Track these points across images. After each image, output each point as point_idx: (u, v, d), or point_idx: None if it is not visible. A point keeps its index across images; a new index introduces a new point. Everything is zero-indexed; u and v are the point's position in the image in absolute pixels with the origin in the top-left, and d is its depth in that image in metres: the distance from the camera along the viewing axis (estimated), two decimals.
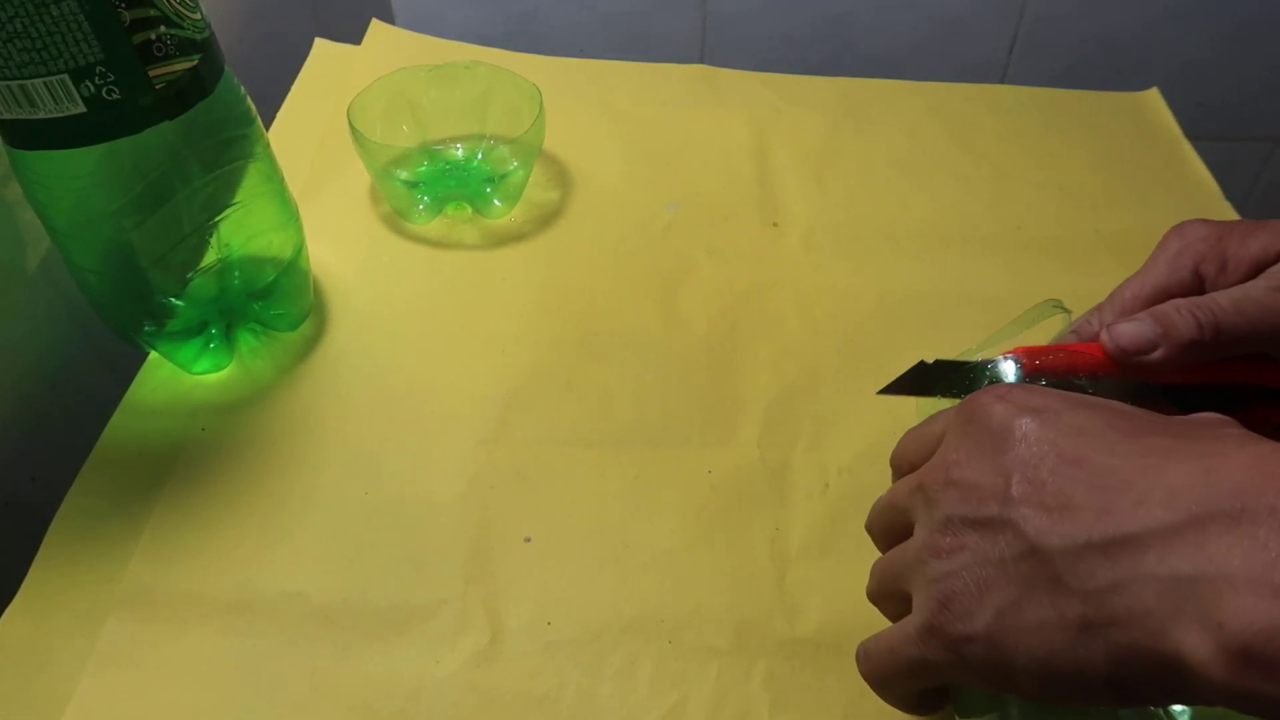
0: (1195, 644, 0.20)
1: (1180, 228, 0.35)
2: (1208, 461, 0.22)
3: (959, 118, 0.63)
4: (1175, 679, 0.21)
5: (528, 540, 0.39)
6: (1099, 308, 0.35)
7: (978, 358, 0.33)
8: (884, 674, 0.28)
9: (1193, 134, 0.62)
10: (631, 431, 0.43)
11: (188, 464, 0.41)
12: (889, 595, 0.29)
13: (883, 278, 0.51)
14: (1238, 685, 0.20)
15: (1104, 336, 0.32)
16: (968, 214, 0.56)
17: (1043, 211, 0.56)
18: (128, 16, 0.33)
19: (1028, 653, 0.23)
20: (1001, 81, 0.85)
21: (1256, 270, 0.32)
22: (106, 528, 0.38)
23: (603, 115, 0.62)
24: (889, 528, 0.30)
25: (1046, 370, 0.32)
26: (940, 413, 0.30)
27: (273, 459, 0.41)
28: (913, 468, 0.29)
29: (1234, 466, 0.22)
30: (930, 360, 0.34)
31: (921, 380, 0.34)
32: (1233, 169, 0.93)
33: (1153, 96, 0.65)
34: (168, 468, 0.41)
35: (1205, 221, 0.34)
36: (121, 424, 0.42)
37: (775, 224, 0.54)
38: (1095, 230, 0.55)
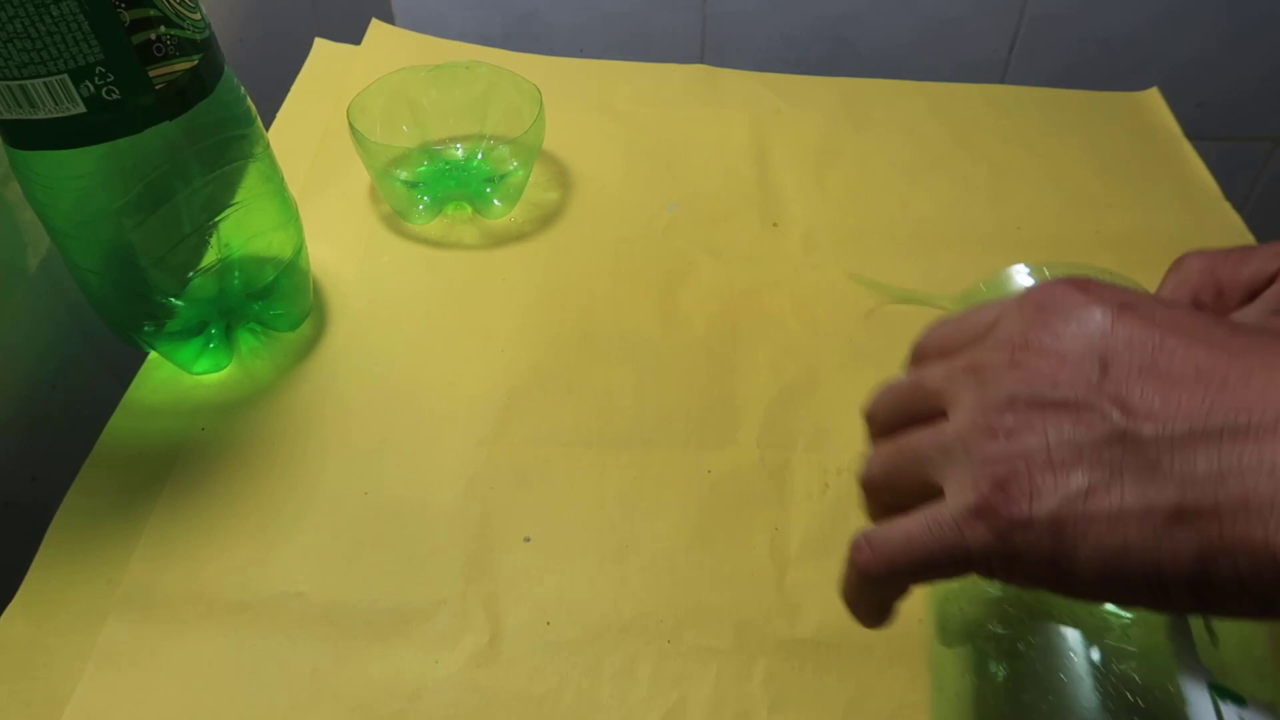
0: None
1: (1177, 263, 0.34)
2: None
3: (959, 118, 0.63)
4: (1276, 580, 0.19)
5: (527, 540, 0.39)
6: None
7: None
8: (894, 564, 0.25)
9: (1193, 134, 0.62)
10: (631, 431, 0.43)
11: (188, 464, 0.41)
12: (900, 480, 0.26)
13: (883, 278, 0.51)
14: None
15: None
16: (968, 214, 0.56)
17: (1043, 211, 0.56)
18: (128, 16, 0.33)
19: (1097, 543, 0.21)
20: (1001, 81, 0.85)
21: (1251, 295, 0.31)
22: (106, 528, 0.38)
23: (603, 115, 0.62)
24: (908, 412, 0.27)
25: None
26: (988, 303, 0.27)
27: (273, 459, 0.41)
28: (946, 355, 0.26)
29: None
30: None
31: None
32: (1233, 169, 0.93)
33: (1153, 96, 0.65)
34: (168, 468, 0.41)
35: (1200, 253, 0.34)
36: (121, 424, 0.42)
37: (775, 224, 0.54)
38: (1095, 230, 0.55)
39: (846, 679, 0.35)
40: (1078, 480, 0.22)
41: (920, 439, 0.25)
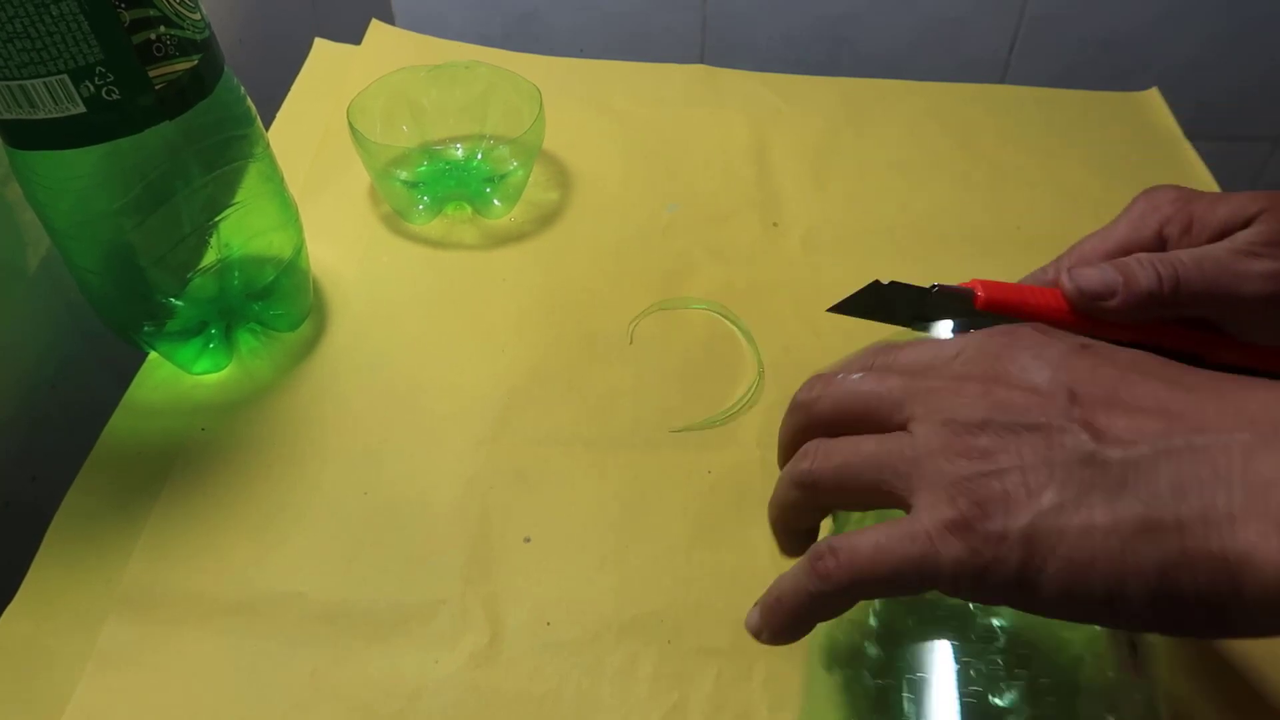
0: (1272, 545, 0.20)
1: (1150, 191, 0.35)
2: None
3: (959, 118, 0.63)
4: (1230, 591, 0.20)
5: (527, 540, 0.39)
6: (1058, 259, 0.35)
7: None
8: (858, 576, 0.25)
9: (1193, 134, 0.62)
10: (631, 431, 0.43)
11: (187, 464, 0.41)
12: (854, 485, 0.26)
13: (882, 278, 0.51)
14: None
15: (1064, 278, 0.32)
16: (967, 214, 0.56)
17: (1043, 211, 0.56)
18: (128, 16, 0.33)
19: (1066, 556, 0.22)
20: (1001, 81, 0.85)
21: (1220, 236, 0.32)
22: (106, 528, 0.38)
23: (603, 115, 0.62)
24: (857, 415, 0.27)
25: (997, 303, 0.32)
26: (953, 338, 0.28)
27: (273, 459, 0.41)
28: (911, 374, 0.27)
29: None
30: (885, 281, 0.33)
31: (874, 300, 0.34)
32: (1233, 169, 0.93)
33: (1152, 96, 0.65)
34: (167, 468, 0.41)
35: (1176, 186, 0.34)
36: (121, 424, 0.42)
37: (775, 224, 0.54)
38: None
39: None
40: (1050, 497, 0.23)
41: (883, 450, 0.26)
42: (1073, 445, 0.23)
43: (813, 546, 0.26)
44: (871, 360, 0.29)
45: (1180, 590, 0.21)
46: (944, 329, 0.33)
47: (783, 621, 0.27)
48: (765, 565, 0.38)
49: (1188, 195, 0.34)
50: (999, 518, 0.23)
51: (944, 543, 0.23)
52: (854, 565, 0.25)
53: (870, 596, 0.27)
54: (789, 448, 0.29)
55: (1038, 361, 0.25)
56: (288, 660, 0.35)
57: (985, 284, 0.32)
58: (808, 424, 0.29)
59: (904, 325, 0.33)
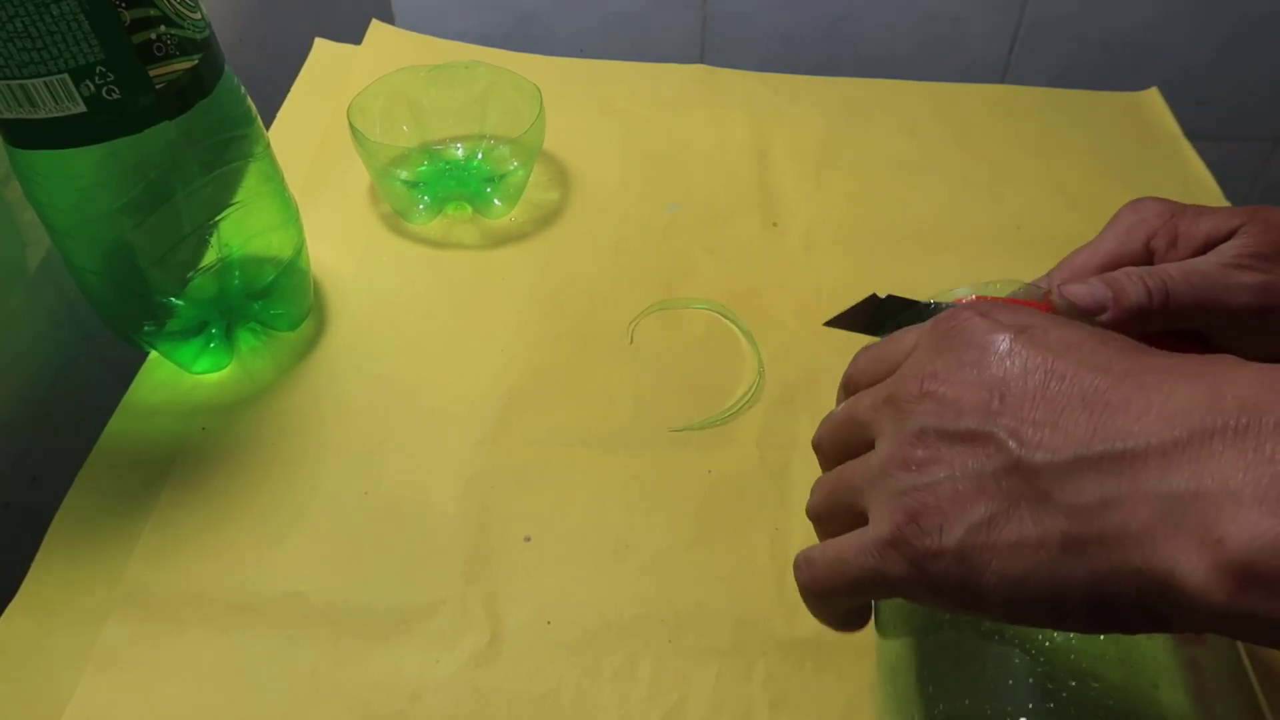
0: (1191, 562, 0.19)
1: (1135, 203, 0.35)
2: (1209, 379, 0.21)
3: (959, 118, 0.63)
4: (1161, 601, 0.20)
5: (527, 540, 0.39)
6: (1050, 273, 0.36)
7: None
8: (826, 585, 0.26)
9: (1193, 134, 0.62)
10: (631, 431, 0.43)
11: (187, 464, 0.41)
12: (838, 511, 0.27)
13: (883, 278, 0.51)
14: (1235, 606, 0.19)
15: (1055, 294, 0.33)
16: (967, 214, 0.56)
17: (1043, 211, 0.56)
18: (128, 16, 0.33)
19: (1000, 571, 0.22)
20: (1001, 81, 0.85)
21: (1205, 248, 0.33)
22: (106, 528, 0.38)
23: (603, 115, 0.62)
24: (845, 444, 0.28)
25: None
26: (907, 329, 0.29)
27: (272, 459, 0.41)
28: (872, 384, 0.28)
29: (1238, 382, 0.21)
30: (882, 295, 0.33)
31: (871, 315, 0.34)
32: (1233, 169, 0.93)
33: (1152, 96, 0.65)
34: (168, 468, 0.41)
35: (1160, 199, 0.35)
36: (121, 424, 0.42)
37: (775, 224, 0.54)
38: (1095, 230, 0.55)
39: (846, 679, 0.35)
40: (980, 511, 0.23)
41: (853, 471, 0.27)
42: (999, 453, 0.23)
43: (795, 556, 0.28)
44: (853, 371, 0.30)
45: (1116, 601, 0.21)
46: None
47: (818, 618, 0.29)
48: (765, 565, 0.38)
49: (1172, 209, 0.34)
50: (934, 535, 0.23)
51: (887, 558, 0.24)
52: (818, 577, 0.27)
53: (846, 605, 0.28)
54: (813, 496, 0.30)
55: (970, 354, 0.25)
56: (288, 660, 0.35)
57: (981, 300, 0.32)
58: (822, 463, 0.30)
59: None
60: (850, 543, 0.25)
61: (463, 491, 0.40)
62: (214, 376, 0.44)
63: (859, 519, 0.26)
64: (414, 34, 0.67)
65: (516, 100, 0.54)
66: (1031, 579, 0.22)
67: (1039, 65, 0.86)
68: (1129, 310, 0.32)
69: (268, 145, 0.42)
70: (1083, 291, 0.32)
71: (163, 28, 0.35)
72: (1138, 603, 0.21)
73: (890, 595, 0.25)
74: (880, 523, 0.25)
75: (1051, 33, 0.84)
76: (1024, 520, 0.22)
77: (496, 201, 0.53)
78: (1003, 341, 0.25)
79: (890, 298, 0.33)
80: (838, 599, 0.27)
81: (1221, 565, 0.19)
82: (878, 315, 0.34)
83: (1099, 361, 0.23)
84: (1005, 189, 0.57)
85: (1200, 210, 0.34)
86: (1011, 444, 0.23)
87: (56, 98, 0.33)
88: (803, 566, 0.27)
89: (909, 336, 0.28)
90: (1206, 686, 0.27)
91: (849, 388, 0.30)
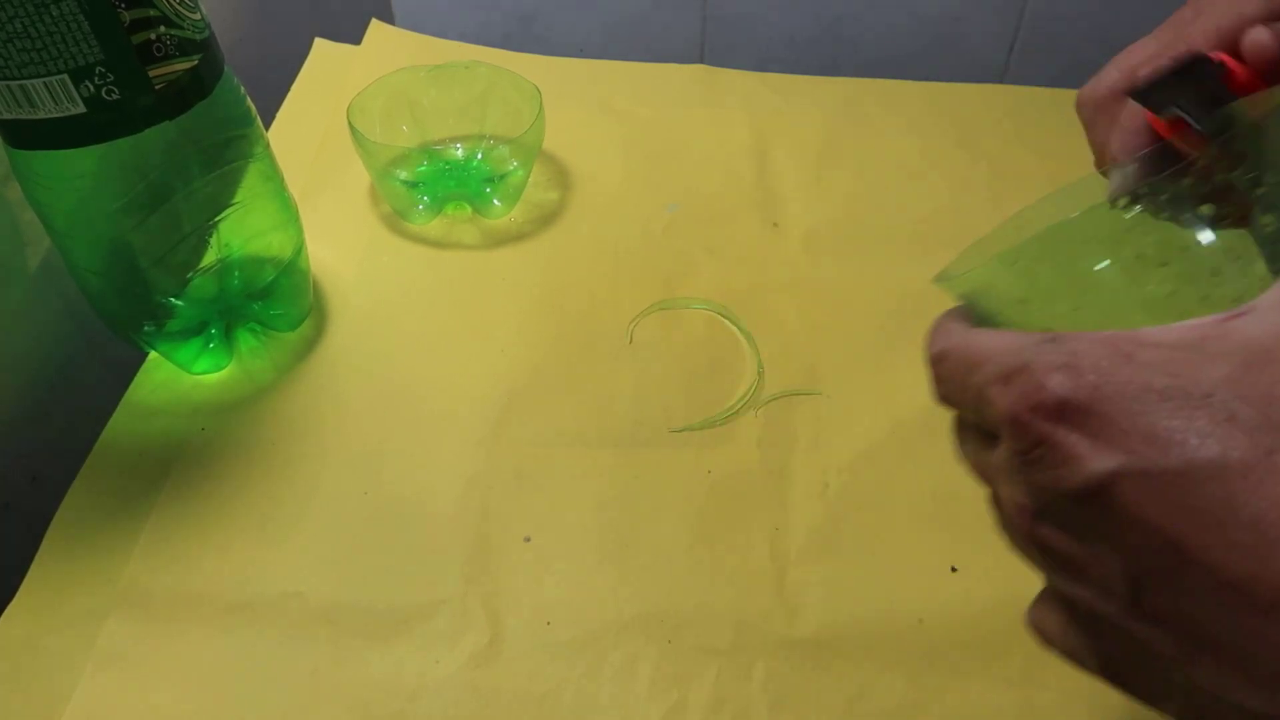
0: None
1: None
2: None
3: (959, 118, 0.63)
4: None
5: (528, 540, 0.39)
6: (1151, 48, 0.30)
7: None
8: None
9: None
10: (632, 431, 0.43)
11: (187, 464, 0.41)
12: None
13: (883, 278, 0.51)
14: None
15: (1255, 36, 0.26)
16: (968, 214, 0.56)
17: None
18: (128, 16, 0.33)
19: None
20: (1001, 81, 0.85)
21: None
22: (106, 528, 0.38)
23: (603, 115, 0.62)
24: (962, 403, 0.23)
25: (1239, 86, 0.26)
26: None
27: (272, 459, 0.41)
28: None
29: None
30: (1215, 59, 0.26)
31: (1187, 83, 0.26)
32: None
33: None
34: (167, 468, 0.41)
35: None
36: (121, 424, 0.42)
37: (775, 224, 0.54)
38: None
39: (846, 679, 0.35)
40: None
41: (984, 462, 0.22)
42: None
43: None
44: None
45: None
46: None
47: None
48: (765, 565, 0.38)
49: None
50: None
51: None
52: None
53: None
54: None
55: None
56: (288, 660, 0.35)
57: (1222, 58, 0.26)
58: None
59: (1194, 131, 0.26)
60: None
61: (463, 491, 0.40)
62: (214, 377, 0.44)
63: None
64: (414, 34, 0.67)
65: (516, 100, 0.54)
66: None
67: (1039, 65, 0.86)
68: None
69: (267, 145, 0.42)
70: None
71: (162, 28, 0.35)
72: None
73: None
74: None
75: (1051, 33, 0.84)
76: None
77: (496, 201, 0.53)
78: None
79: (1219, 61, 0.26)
80: None
81: None
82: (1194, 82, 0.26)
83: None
84: (1005, 189, 0.57)
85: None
86: None
87: (56, 98, 0.33)
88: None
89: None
90: None
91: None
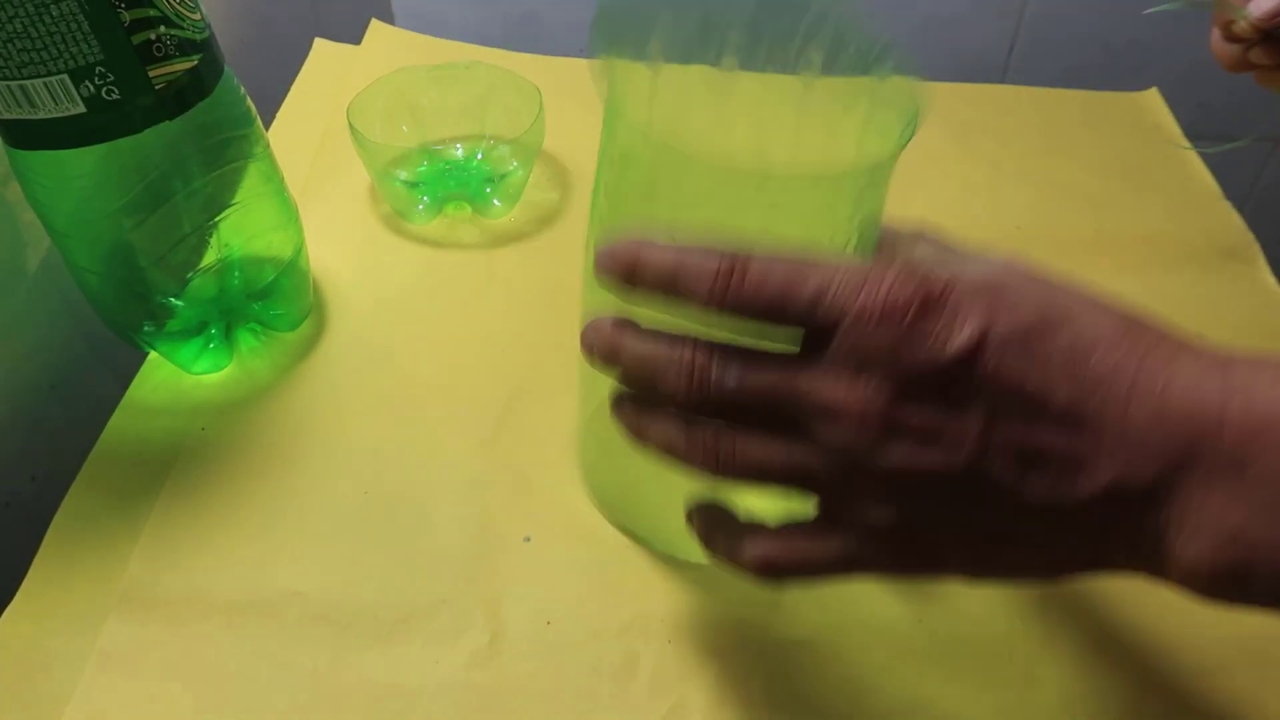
0: None
1: None
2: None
3: (959, 118, 0.63)
4: None
5: (527, 540, 0.39)
6: None
7: None
8: None
9: (1192, 134, 0.62)
10: None
11: (187, 464, 0.41)
12: None
13: None
14: None
15: None
16: (967, 214, 0.56)
17: (1043, 211, 0.56)
18: (128, 16, 0.33)
19: None
20: (1001, 81, 0.85)
21: None
22: (106, 528, 0.38)
23: (603, 115, 0.61)
24: None
25: None
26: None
27: (272, 459, 0.41)
28: None
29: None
30: None
31: None
32: (1233, 169, 0.93)
33: (1152, 96, 0.65)
34: (168, 468, 0.41)
35: None
36: (121, 424, 0.42)
37: None
38: (1095, 230, 0.55)
39: (846, 679, 0.35)
40: None
41: None
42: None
43: None
44: None
45: None
46: None
47: None
48: None
49: None
50: None
51: None
52: None
53: None
54: None
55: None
56: (288, 660, 0.35)
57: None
58: None
59: None
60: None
61: (463, 491, 0.40)
62: (214, 376, 0.44)
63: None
64: (414, 34, 0.67)
65: (516, 100, 0.54)
66: None
67: (1039, 65, 0.86)
68: None
69: (267, 145, 0.42)
70: None
71: (162, 28, 0.35)
72: None
73: None
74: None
75: (1051, 33, 0.84)
76: None
77: (496, 201, 0.53)
78: None
79: None
80: None
81: None
82: None
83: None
84: (1005, 189, 0.57)
85: None
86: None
87: (56, 98, 0.33)
88: None
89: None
90: None
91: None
